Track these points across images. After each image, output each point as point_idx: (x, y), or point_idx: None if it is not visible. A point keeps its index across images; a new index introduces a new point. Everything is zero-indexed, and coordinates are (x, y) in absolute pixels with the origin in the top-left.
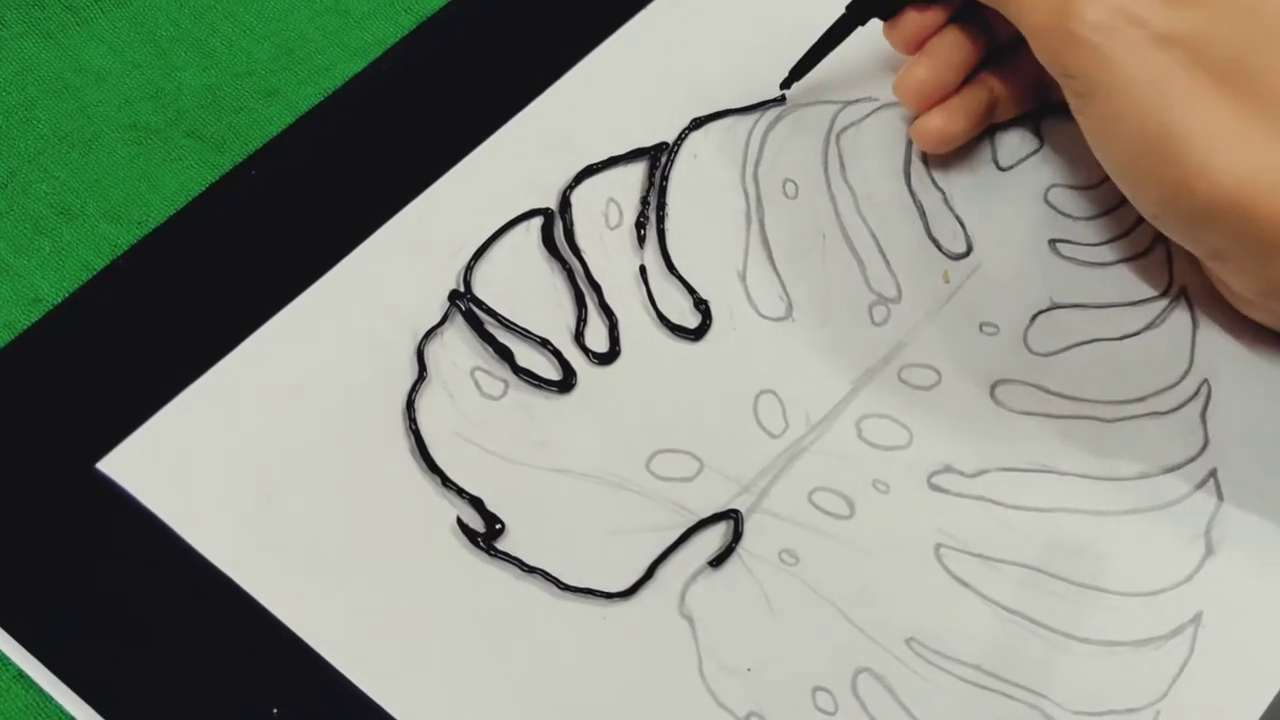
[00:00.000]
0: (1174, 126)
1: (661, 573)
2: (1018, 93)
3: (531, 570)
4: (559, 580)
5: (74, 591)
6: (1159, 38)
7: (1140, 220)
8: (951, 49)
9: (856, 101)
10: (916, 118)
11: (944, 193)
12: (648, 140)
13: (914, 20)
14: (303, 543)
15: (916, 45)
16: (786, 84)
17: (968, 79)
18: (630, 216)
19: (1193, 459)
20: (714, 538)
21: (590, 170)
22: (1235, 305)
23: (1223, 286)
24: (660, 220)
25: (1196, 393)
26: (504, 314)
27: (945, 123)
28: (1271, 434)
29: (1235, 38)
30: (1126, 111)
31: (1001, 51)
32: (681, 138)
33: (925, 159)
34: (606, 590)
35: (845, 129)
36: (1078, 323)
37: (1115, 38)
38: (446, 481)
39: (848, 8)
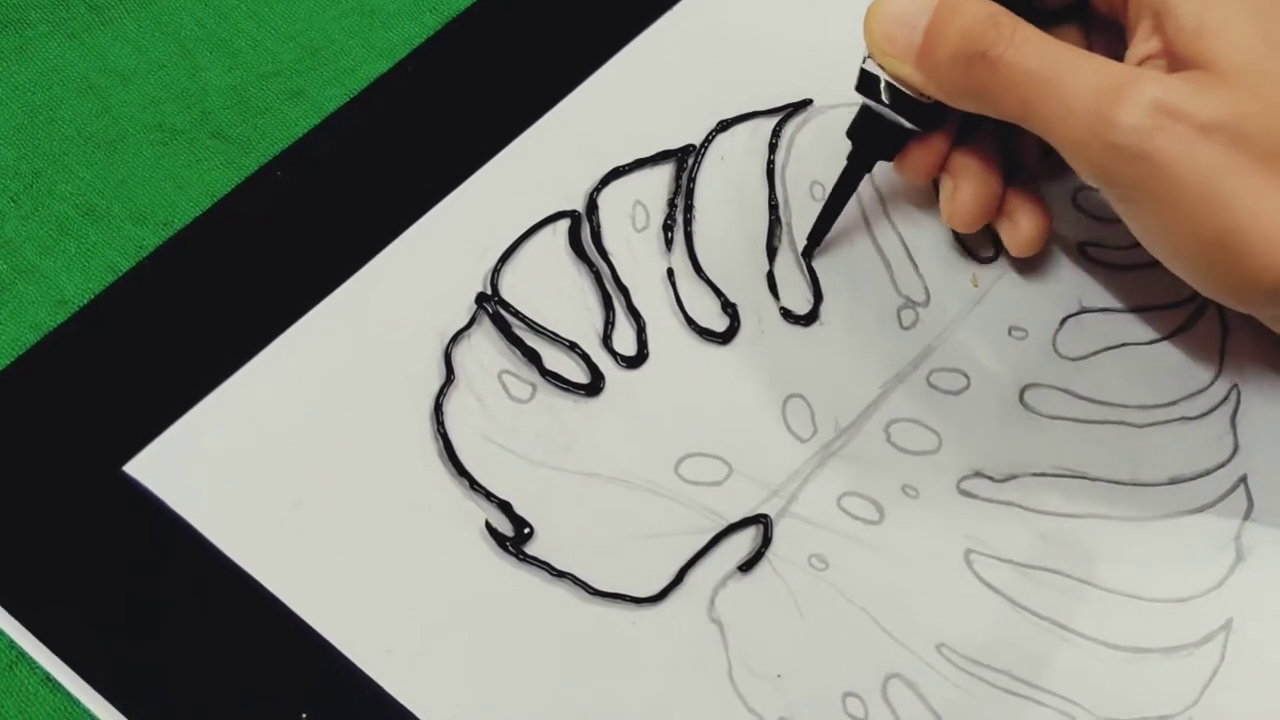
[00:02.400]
0: (1231, 225)
1: (691, 577)
2: (1036, 166)
3: (560, 574)
4: (588, 585)
5: (101, 595)
6: (1203, 129)
7: None
8: (978, 159)
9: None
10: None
11: None
12: (674, 142)
13: (921, 152)
14: (330, 546)
15: (934, 171)
16: (807, 253)
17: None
18: (657, 219)
19: (1223, 464)
20: (743, 542)
21: (617, 172)
22: None
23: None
24: (688, 223)
25: (1226, 398)
26: (531, 317)
27: (1033, 223)
28: None
29: (1272, 111)
30: (1180, 216)
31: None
32: (708, 140)
33: None
34: (636, 595)
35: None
36: (1107, 327)
37: (1160, 139)
38: (475, 485)
39: (849, 158)
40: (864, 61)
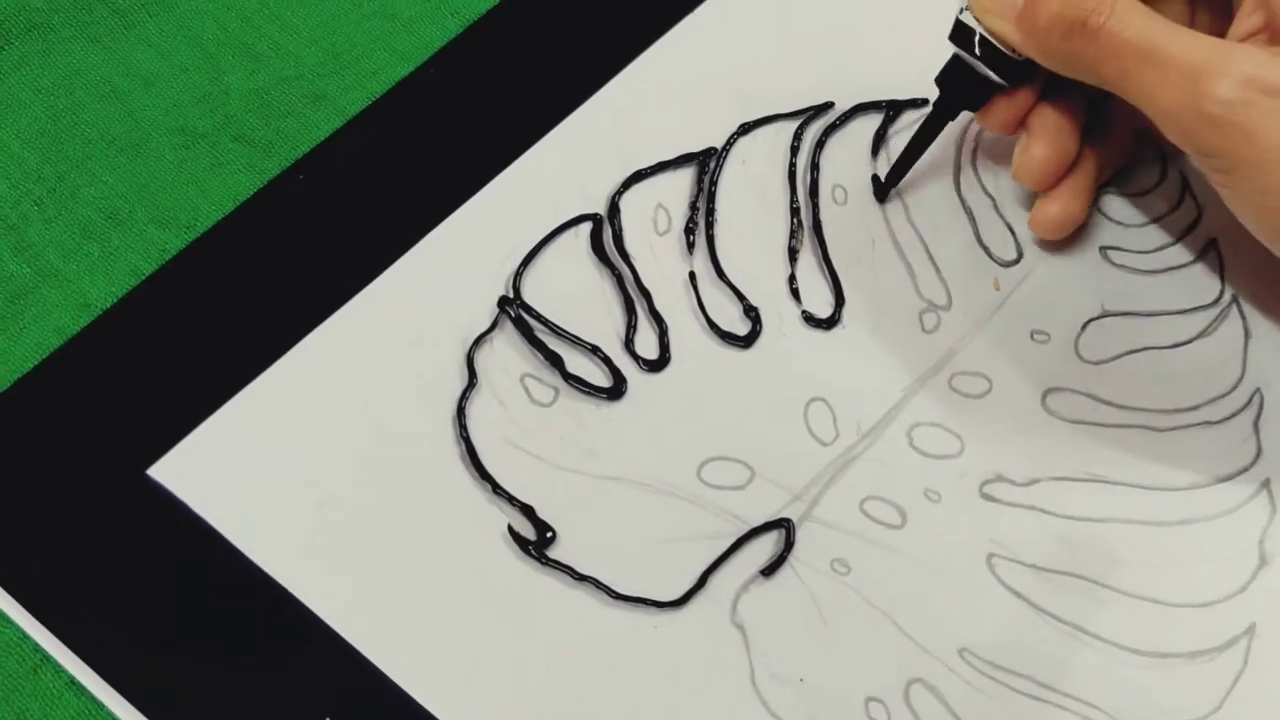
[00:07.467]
0: None
1: (713, 582)
2: (1121, 147)
3: (583, 579)
4: (610, 589)
5: (124, 598)
6: None
7: (1191, 227)
8: (1058, 119)
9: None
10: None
11: (994, 199)
12: (696, 145)
13: (1004, 106)
14: (353, 550)
15: (1014, 127)
16: (880, 196)
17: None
18: (679, 222)
19: (1246, 469)
20: (766, 546)
21: (639, 175)
22: None
23: None
24: (709, 226)
25: (1249, 402)
26: (554, 320)
27: (1064, 206)
28: None
29: None
30: (1274, 184)
31: (1097, 109)
32: (730, 143)
33: (975, 164)
34: (658, 599)
35: (894, 135)
36: (1129, 331)
37: (1253, 112)
38: (497, 489)
39: (934, 105)
40: (960, 12)
